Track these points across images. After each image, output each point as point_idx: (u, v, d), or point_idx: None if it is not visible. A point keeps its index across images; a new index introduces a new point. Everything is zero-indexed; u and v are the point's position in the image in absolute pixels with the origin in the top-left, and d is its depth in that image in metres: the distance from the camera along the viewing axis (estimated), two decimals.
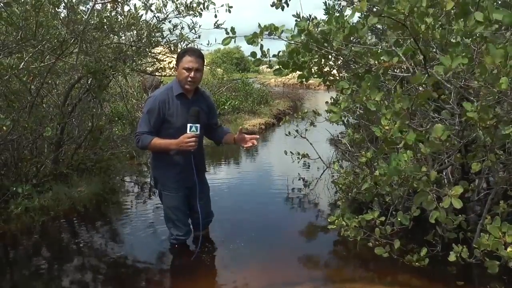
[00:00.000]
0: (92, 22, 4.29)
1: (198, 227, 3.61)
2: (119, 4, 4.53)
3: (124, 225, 4.37)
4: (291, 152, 5.59)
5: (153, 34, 4.72)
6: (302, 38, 2.93)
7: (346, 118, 5.04)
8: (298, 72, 3.27)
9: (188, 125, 3.20)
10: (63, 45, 4.43)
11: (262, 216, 3.93)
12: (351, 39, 2.85)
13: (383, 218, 3.10)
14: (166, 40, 5.06)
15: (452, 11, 2.36)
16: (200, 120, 3.27)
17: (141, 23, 4.61)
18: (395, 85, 2.64)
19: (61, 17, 4.35)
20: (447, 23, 2.48)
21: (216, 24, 4.81)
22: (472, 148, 3.18)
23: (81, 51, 4.50)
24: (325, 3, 5.88)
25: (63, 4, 4.19)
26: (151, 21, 4.73)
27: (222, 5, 4.82)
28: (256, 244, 3.81)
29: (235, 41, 3.04)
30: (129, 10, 4.50)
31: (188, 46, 5.07)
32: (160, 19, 4.77)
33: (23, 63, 4.06)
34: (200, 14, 4.87)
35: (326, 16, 4.21)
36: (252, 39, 2.91)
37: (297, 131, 5.49)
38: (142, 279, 3.27)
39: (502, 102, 2.55)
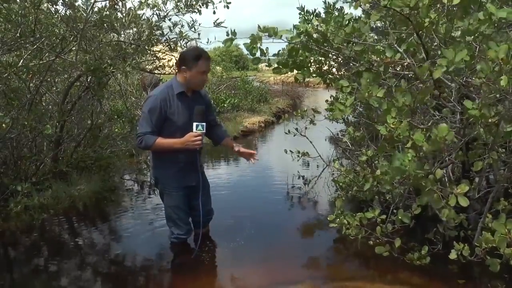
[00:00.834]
0: (92, 19, 4.27)
1: (199, 225, 3.60)
2: (119, 1, 4.50)
3: (124, 223, 4.36)
4: (290, 150, 5.58)
5: (154, 32, 4.70)
6: (301, 39, 2.93)
7: (347, 116, 5.03)
8: (296, 71, 3.27)
9: (194, 123, 3.22)
10: (62, 43, 4.42)
11: (262, 214, 3.92)
12: (352, 37, 2.84)
13: (384, 216, 3.09)
14: (166, 38, 5.04)
15: (454, 8, 2.36)
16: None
17: (141, 21, 4.58)
18: (399, 81, 2.62)
19: (60, 15, 4.33)
20: (448, 21, 2.47)
21: (215, 23, 4.79)
22: (473, 146, 3.17)
23: (80, 48, 4.49)
24: (324, 2, 5.85)
25: (61, 1, 4.18)
26: (151, 19, 4.70)
27: (220, 1, 4.80)
28: (256, 242, 3.80)
29: (232, 42, 3.02)
30: (129, 8, 4.48)
31: (188, 45, 5.06)
32: (161, 16, 4.74)
33: (21, 60, 4.04)
34: (200, 12, 4.85)
35: (325, 13, 4.18)
36: (251, 45, 2.90)
37: (296, 129, 5.48)
38: (142, 277, 3.26)
39: (503, 100, 2.55)
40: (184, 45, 5.14)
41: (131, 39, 4.73)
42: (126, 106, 6.85)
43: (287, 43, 3.05)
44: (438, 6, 2.31)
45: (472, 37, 2.41)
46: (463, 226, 3.19)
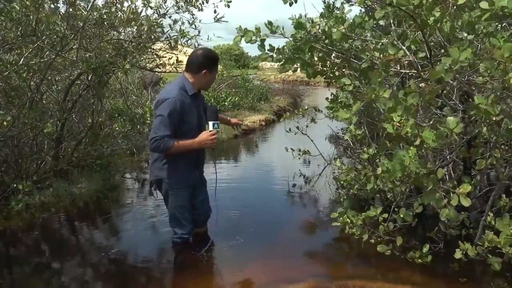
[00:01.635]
0: (92, 17, 4.26)
1: (198, 223, 3.68)
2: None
3: (125, 222, 4.36)
4: (291, 148, 5.57)
5: (154, 29, 4.69)
6: (301, 35, 2.92)
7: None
8: (302, 68, 3.26)
9: (210, 122, 3.33)
10: (63, 41, 4.41)
11: (263, 212, 3.92)
12: (352, 34, 2.84)
13: (386, 215, 3.09)
14: (167, 35, 5.03)
15: (455, 7, 2.35)
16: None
17: (141, 18, 4.57)
18: (401, 80, 2.61)
19: (61, 13, 4.32)
20: (452, 19, 2.46)
21: (216, 18, 4.78)
22: (475, 143, 3.17)
23: (81, 47, 4.48)
24: (324, 1, 5.83)
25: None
26: (151, 16, 4.70)
27: (220, 0, 4.80)
28: (257, 241, 3.80)
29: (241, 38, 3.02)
30: (129, 6, 4.47)
31: (189, 42, 5.05)
32: (160, 14, 4.73)
33: (22, 59, 4.04)
34: (201, 9, 4.84)
35: (325, 12, 4.17)
36: (250, 38, 2.91)
37: (297, 127, 5.48)
38: (142, 276, 3.26)
39: (505, 98, 2.54)
40: (185, 42, 5.13)
41: (132, 37, 4.73)
42: (126, 104, 6.85)
43: (287, 41, 3.05)
44: (442, 4, 2.29)
45: (474, 35, 2.41)
46: (465, 225, 3.18)
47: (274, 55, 3.10)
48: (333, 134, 7.04)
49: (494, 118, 2.10)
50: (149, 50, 5.25)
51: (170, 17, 4.79)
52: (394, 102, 2.15)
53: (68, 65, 4.96)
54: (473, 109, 2.23)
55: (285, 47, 3.11)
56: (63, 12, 4.32)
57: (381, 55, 2.51)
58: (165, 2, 4.74)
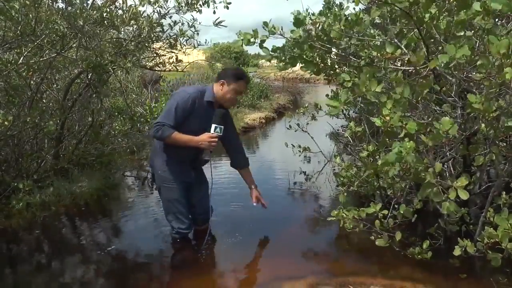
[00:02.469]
0: (93, 16, 4.26)
1: (198, 222, 3.74)
2: None
3: (126, 220, 4.37)
4: (292, 145, 5.58)
5: (154, 29, 4.69)
6: (301, 33, 2.92)
7: (348, 111, 5.00)
8: (303, 65, 3.27)
9: (213, 125, 3.30)
10: (62, 40, 4.41)
11: (263, 209, 3.92)
12: (352, 32, 2.84)
13: (386, 212, 3.09)
14: (167, 35, 5.03)
15: (453, 2, 2.35)
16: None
17: (141, 18, 4.57)
18: (397, 75, 2.61)
19: (60, 12, 4.32)
20: (449, 15, 2.46)
21: (215, 22, 4.78)
22: (474, 140, 3.17)
23: (80, 46, 4.48)
24: None
25: None
26: (152, 16, 4.70)
27: (220, 1, 4.80)
28: (258, 238, 3.81)
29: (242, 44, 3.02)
30: (130, 5, 4.47)
31: (188, 42, 5.06)
32: (161, 14, 4.73)
33: (22, 58, 4.04)
34: (200, 11, 4.85)
35: (325, 9, 4.17)
36: (248, 40, 2.92)
37: (298, 124, 5.48)
38: (143, 274, 3.27)
39: (503, 94, 2.55)
40: (184, 42, 5.14)
41: (132, 36, 4.73)
42: (126, 103, 6.84)
43: (288, 39, 3.05)
44: (438, 1, 2.30)
45: (473, 32, 2.41)
46: (465, 221, 3.19)
47: (278, 55, 3.11)
48: (333, 131, 7.04)
49: (491, 115, 2.11)
50: (149, 48, 5.26)
51: (171, 17, 4.79)
52: (384, 96, 2.16)
53: (68, 64, 4.97)
54: (468, 107, 2.24)
55: (285, 46, 3.12)
56: (61, 8, 4.31)
57: (379, 54, 2.51)
58: (167, 2, 4.74)
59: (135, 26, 4.66)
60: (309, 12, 3.22)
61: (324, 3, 4.30)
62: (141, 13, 4.56)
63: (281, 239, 3.82)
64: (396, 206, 3.13)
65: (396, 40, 2.52)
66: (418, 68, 2.35)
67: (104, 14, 4.25)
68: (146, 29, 4.60)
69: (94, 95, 5.41)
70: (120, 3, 4.47)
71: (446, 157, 3.43)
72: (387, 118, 2.15)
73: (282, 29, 3.01)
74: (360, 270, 3.19)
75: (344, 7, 2.75)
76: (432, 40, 2.67)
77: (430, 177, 2.26)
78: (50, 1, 4.13)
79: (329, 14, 2.70)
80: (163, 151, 3.46)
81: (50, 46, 4.38)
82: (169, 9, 4.76)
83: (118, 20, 4.40)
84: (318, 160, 5.96)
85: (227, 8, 4.81)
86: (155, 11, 4.71)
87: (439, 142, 2.38)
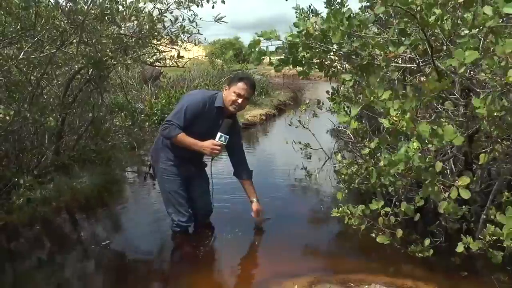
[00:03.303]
0: (93, 12, 4.24)
1: (198, 217, 3.78)
2: None
3: (126, 216, 4.37)
4: (293, 141, 5.57)
5: (155, 25, 4.67)
6: (300, 38, 2.90)
7: (349, 108, 4.96)
8: (297, 67, 3.25)
9: (219, 133, 3.37)
10: (63, 36, 4.39)
11: (264, 206, 3.92)
12: (352, 31, 2.82)
13: (388, 209, 3.09)
14: (168, 31, 5.01)
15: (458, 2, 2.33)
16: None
17: (142, 14, 4.55)
18: (400, 80, 2.60)
19: (61, 7, 4.30)
20: (454, 14, 2.44)
21: (216, 18, 4.77)
22: (476, 138, 3.16)
23: (81, 41, 4.46)
24: None
25: None
26: (152, 12, 4.68)
27: None
28: (258, 234, 3.82)
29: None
30: (131, 1, 4.45)
31: (190, 39, 5.05)
32: (162, 10, 4.71)
33: (22, 53, 4.03)
34: (201, 5, 4.83)
35: (326, 7, 4.14)
36: (250, 50, 2.89)
37: (299, 121, 5.46)
38: (143, 269, 3.28)
39: (507, 93, 2.53)
40: (185, 39, 5.12)
41: (132, 32, 4.71)
42: (127, 99, 6.84)
43: (286, 43, 3.03)
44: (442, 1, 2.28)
45: (477, 30, 2.39)
46: (466, 219, 3.18)
47: (270, 59, 3.08)
48: (334, 128, 7.03)
49: (495, 114, 2.10)
50: (150, 44, 5.24)
51: (171, 12, 4.77)
52: (393, 103, 2.14)
53: (68, 60, 4.95)
54: (472, 110, 2.22)
55: (281, 47, 3.09)
56: (63, 6, 4.30)
57: (381, 52, 2.50)
58: None
59: (135, 22, 4.64)
60: (311, 9, 3.21)
61: (325, 1, 4.28)
62: (142, 9, 4.54)
63: (282, 236, 3.81)
64: (397, 203, 3.13)
65: (400, 38, 2.50)
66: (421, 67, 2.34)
67: (105, 11, 4.23)
68: (147, 26, 4.58)
69: (94, 91, 5.40)
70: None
71: (447, 155, 3.42)
72: (395, 118, 2.13)
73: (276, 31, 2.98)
74: (361, 267, 3.19)
75: (346, 10, 2.71)
76: (434, 37, 2.66)
77: (431, 176, 2.25)
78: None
79: (330, 18, 2.67)
80: (166, 146, 3.52)
81: (50, 41, 4.36)
82: (169, 5, 4.74)
83: (119, 16, 4.38)
84: (319, 157, 5.95)
85: (223, 2, 4.79)
86: (156, 7, 4.69)
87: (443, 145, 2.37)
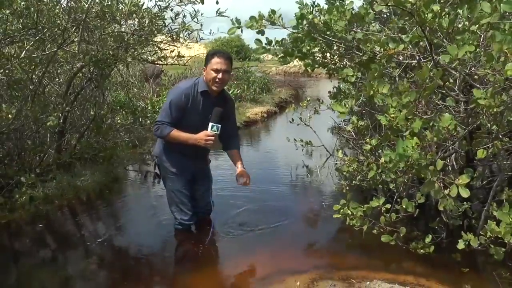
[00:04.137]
0: (94, 10, 4.25)
1: (199, 215, 3.76)
2: None
3: (128, 214, 4.38)
4: (294, 139, 5.57)
5: (155, 22, 4.67)
6: (303, 26, 2.91)
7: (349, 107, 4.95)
8: (301, 60, 3.26)
9: (210, 123, 3.32)
10: (64, 34, 4.40)
11: (266, 203, 3.93)
12: (354, 26, 2.82)
13: (388, 206, 3.09)
14: (168, 28, 5.01)
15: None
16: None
17: (142, 11, 4.56)
18: (401, 77, 2.60)
19: (62, 6, 4.31)
20: (452, 10, 2.45)
21: (218, 12, 4.76)
22: (477, 135, 3.16)
23: (82, 39, 4.47)
24: None
25: None
26: (153, 9, 4.68)
27: None
28: (260, 232, 3.82)
29: (242, 31, 3.02)
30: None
31: (191, 36, 5.05)
32: (162, 7, 4.71)
33: (24, 51, 4.04)
34: (202, 1, 4.81)
35: (327, 3, 4.14)
36: (251, 24, 2.90)
37: (300, 118, 5.46)
38: (145, 267, 3.29)
39: (507, 89, 2.53)
40: (187, 36, 5.12)
41: (133, 29, 4.71)
42: (128, 97, 6.84)
43: (290, 32, 3.04)
44: None
45: (477, 26, 2.39)
46: (467, 215, 3.18)
47: (272, 48, 3.09)
48: (336, 125, 7.03)
49: (495, 109, 2.10)
50: (151, 42, 5.24)
51: (172, 9, 4.77)
52: (392, 100, 2.15)
53: (70, 58, 4.96)
54: (473, 102, 2.23)
55: (285, 39, 3.10)
56: (65, 4, 4.31)
57: (382, 49, 2.50)
58: None
59: (136, 20, 4.64)
60: (314, 3, 3.21)
61: None
62: (141, 6, 4.54)
63: (283, 233, 3.82)
64: (398, 200, 3.13)
65: (400, 36, 2.50)
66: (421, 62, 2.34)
67: (106, 9, 4.23)
68: (147, 21, 4.58)
69: (95, 89, 5.41)
70: None
71: (449, 151, 3.42)
72: (392, 116, 2.14)
73: (281, 19, 2.98)
74: (363, 264, 3.20)
75: (349, 3, 2.72)
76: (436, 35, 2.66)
77: (432, 174, 2.25)
78: None
79: (333, 9, 2.68)
80: (167, 143, 3.51)
81: (51, 40, 4.37)
82: (170, 2, 4.74)
83: (119, 14, 4.38)
84: (320, 154, 5.95)
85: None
86: (156, 4, 4.69)
87: (441, 139, 2.37)
